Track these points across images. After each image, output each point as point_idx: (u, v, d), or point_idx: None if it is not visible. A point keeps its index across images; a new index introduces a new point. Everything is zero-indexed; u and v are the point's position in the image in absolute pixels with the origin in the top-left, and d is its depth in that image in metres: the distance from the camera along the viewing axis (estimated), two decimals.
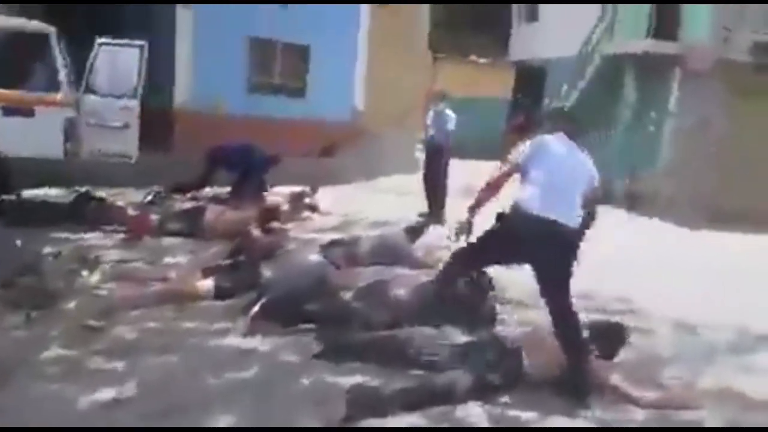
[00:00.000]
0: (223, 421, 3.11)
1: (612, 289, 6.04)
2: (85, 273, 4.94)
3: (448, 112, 8.89)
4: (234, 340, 4.11)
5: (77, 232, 6.28)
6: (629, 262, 7.34)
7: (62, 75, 6.80)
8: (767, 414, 3.73)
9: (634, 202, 11.84)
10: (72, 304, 4.43)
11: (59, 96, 6.73)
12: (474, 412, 3.39)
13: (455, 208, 9.63)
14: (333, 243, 6.07)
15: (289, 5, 11.42)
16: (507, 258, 4.11)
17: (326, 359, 3.88)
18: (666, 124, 11.93)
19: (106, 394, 3.26)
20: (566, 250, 3.69)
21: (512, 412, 3.45)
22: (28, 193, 7.16)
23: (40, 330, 4.01)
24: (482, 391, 3.54)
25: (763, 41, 10.85)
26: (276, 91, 12.04)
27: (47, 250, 5.40)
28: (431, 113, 9.10)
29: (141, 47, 7.11)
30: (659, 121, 12.03)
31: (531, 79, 17.41)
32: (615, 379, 3.83)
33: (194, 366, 3.70)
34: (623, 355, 4.32)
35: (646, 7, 12.31)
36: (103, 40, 7.11)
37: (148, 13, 10.35)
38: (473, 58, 18.66)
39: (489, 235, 3.89)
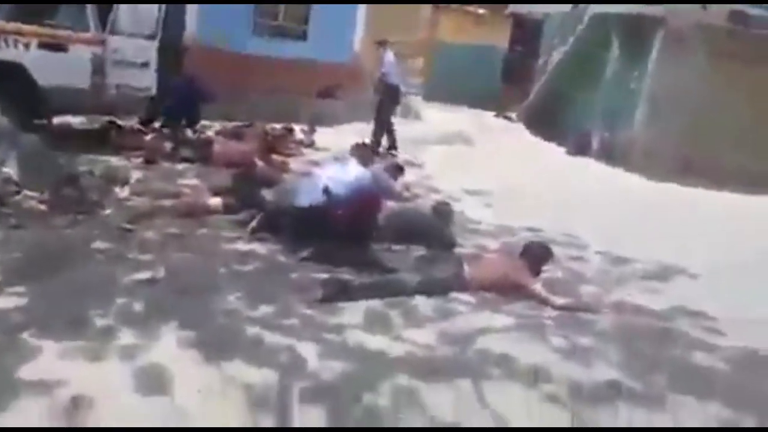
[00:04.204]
0: (232, 297, 4.18)
1: (565, 227, 7.07)
2: (117, 188, 5.96)
3: (388, 57, 10.10)
4: (239, 245, 5.18)
5: (103, 155, 7.29)
6: (588, 207, 8.38)
7: (91, 16, 7.64)
8: (650, 317, 4.83)
9: (609, 155, 12.74)
10: (108, 211, 5.48)
11: (88, 35, 7.59)
12: (420, 301, 4.47)
13: (436, 153, 10.78)
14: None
15: None
16: None
17: (312, 261, 4.94)
18: (645, 83, 12.68)
19: (144, 275, 4.33)
20: None
21: (448, 304, 4.52)
22: (57, 119, 8.11)
23: (84, 230, 5.05)
24: (428, 289, 4.61)
25: (738, 10, 11.53)
26: (279, 33, 12.81)
27: (82, 168, 6.41)
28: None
29: None
30: (639, 79, 12.78)
31: (528, 32, 18.02)
32: (537, 288, 4.89)
33: (208, 260, 4.77)
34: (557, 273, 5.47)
35: None
36: None
37: None
38: (473, 8, 19.13)
39: None
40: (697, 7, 11.83)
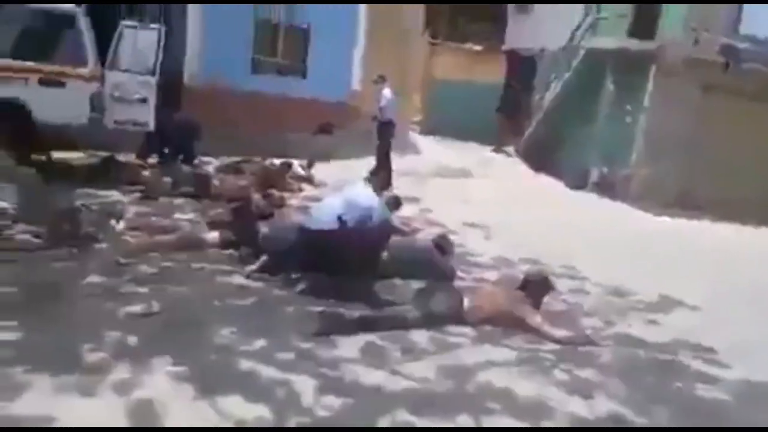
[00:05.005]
0: (227, 330, 4.12)
1: (563, 259, 7.04)
2: (113, 222, 5.93)
3: (385, 92, 10.29)
4: (235, 279, 5.12)
5: (101, 190, 7.28)
6: (587, 239, 8.37)
7: (89, 52, 7.72)
8: (651, 350, 4.76)
9: (607, 189, 12.79)
10: (104, 245, 5.44)
11: (86, 70, 7.67)
12: (419, 335, 4.41)
13: (435, 187, 10.82)
14: None
15: None
16: None
17: (309, 294, 4.88)
18: (640, 117, 12.80)
19: (138, 308, 4.27)
20: None
21: (447, 338, 4.46)
22: (56, 155, 8.15)
23: (79, 264, 5.00)
24: (427, 322, 4.55)
25: (728, 44, 11.71)
26: (278, 70, 12.96)
27: (79, 202, 6.39)
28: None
29: (159, 30, 8.03)
30: (634, 114, 12.91)
31: (523, 68, 18.27)
32: (538, 320, 4.82)
33: (203, 294, 4.71)
34: (557, 305, 5.41)
35: (627, 6, 13.17)
36: (126, 22, 8.02)
37: None
38: (469, 45, 19.43)
39: None
40: (690, 42, 12.01)
